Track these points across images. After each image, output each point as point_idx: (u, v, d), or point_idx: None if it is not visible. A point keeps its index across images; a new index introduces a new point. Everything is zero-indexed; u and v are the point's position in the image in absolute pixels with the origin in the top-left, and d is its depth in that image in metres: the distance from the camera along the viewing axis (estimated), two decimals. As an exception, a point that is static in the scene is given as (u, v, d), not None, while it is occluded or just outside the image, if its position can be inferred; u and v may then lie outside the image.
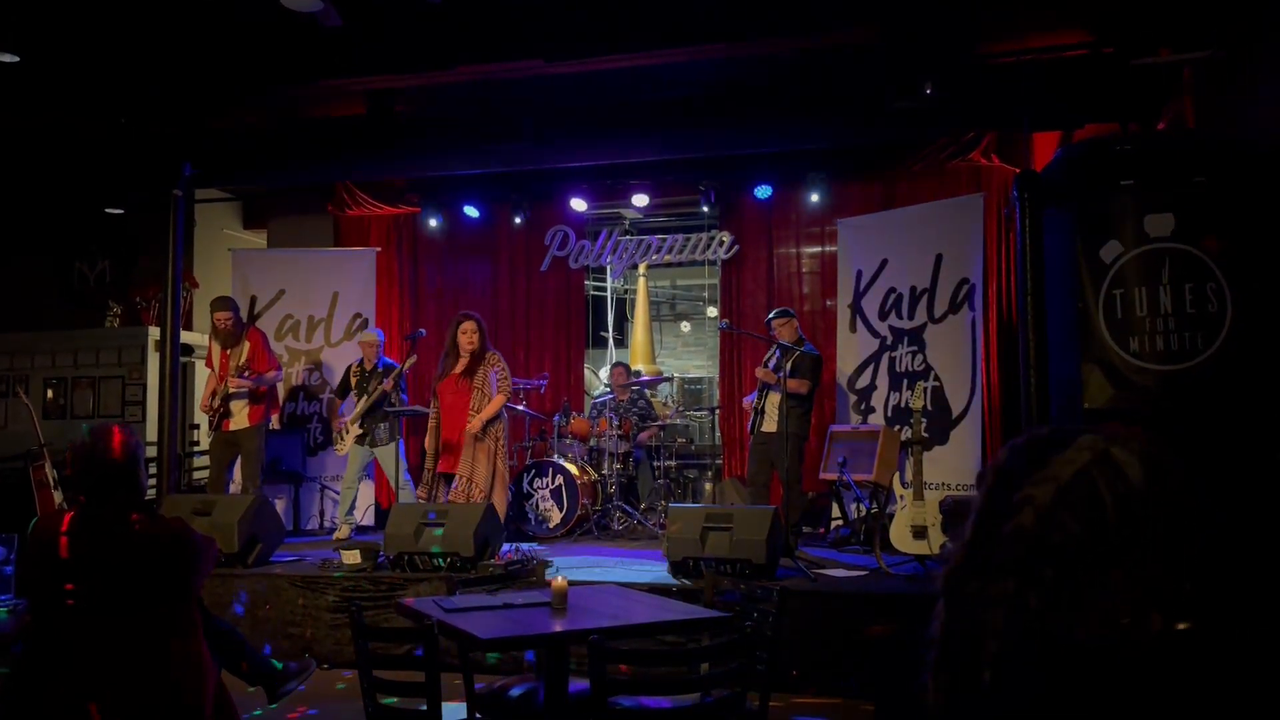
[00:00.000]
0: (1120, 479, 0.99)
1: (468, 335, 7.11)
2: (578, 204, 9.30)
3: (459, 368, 7.12)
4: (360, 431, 7.68)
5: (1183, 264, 5.24)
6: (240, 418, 7.59)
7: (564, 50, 6.57)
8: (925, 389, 7.24)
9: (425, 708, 2.95)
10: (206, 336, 9.68)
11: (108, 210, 10.12)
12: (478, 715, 3.41)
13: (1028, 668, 0.95)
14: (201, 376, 9.39)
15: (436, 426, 7.10)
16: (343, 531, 7.71)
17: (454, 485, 6.98)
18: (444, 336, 7.46)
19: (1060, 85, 6.54)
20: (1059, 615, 0.95)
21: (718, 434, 9.37)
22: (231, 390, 7.52)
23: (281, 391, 8.76)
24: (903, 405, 7.64)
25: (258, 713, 4.68)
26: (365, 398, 7.65)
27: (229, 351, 7.61)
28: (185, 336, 8.42)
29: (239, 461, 7.72)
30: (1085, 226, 5.54)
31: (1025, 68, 6.50)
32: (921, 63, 6.22)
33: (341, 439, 7.76)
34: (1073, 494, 1.00)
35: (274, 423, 8.30)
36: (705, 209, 9.18)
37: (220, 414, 7.57)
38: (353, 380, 7.89)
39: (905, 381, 7.75)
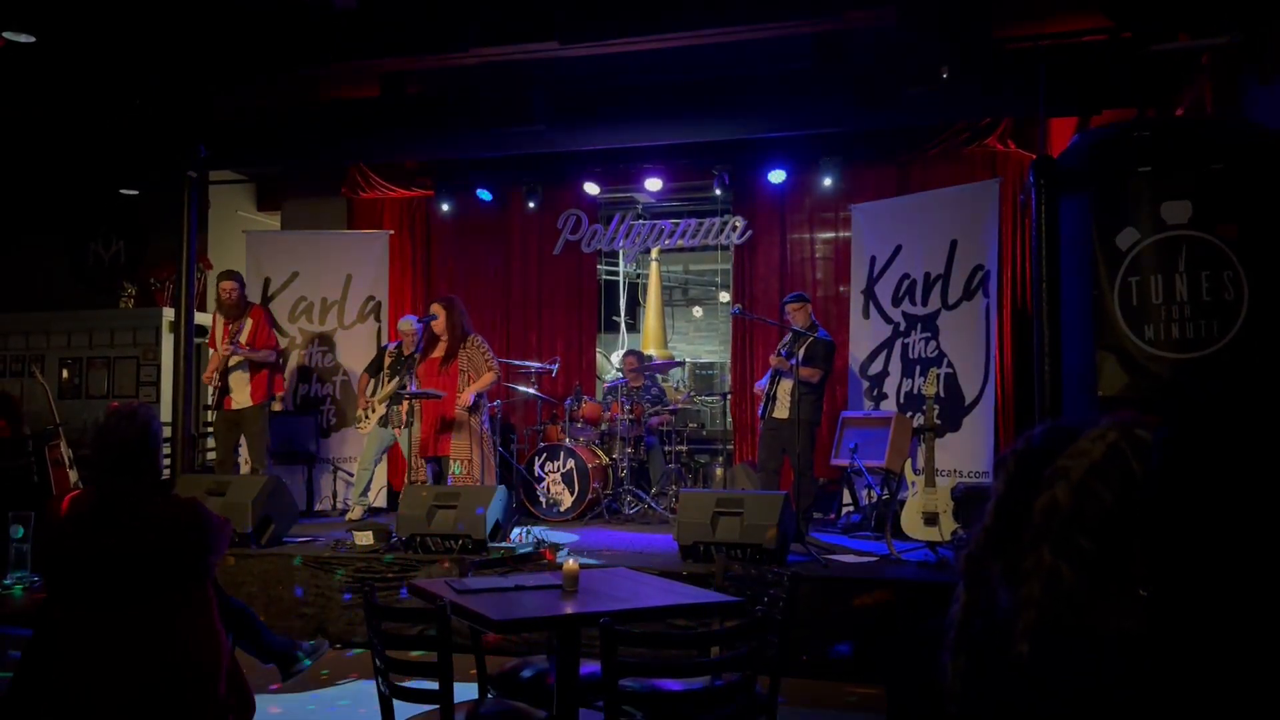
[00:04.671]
0: (1147, 455, 1.00)
1: (439, 320, 7.26)
2: (590, 188, 9.28)
3: (437, 352, 7.26)
4: (383, 412, 7.70)
5: (1199, 251, 5.20)
6: (242, 395, 7.61)
7: (578, 32, 6.55)
8: (938, 376, 7.21)
9: (438, 688, 2.97)
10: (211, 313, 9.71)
11: (122, 191, 10.15)
12: (490, 695, 3.43)
13: (1060, 640, 0.96)
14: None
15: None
16: (355, 513, 7.73)
17: (451, 467, 7.10)
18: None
19: (1078, 70, 6.48)
20: (1088, 585, 0.95)
21: (729, 419, 9.37)
22: (230, 364, 7.54)
23: (287, 373, 8.77)
24: (915, 392, 7.63)
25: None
26: (396, 379, 7.65)
27: (230, 326, 7.63)
28: (199, 317, 8.44)
29: (243, 443, 7.76)
30: (1101, 213, 5.50)
31: (1043, 53, 6.44)
32: (938, 47, 6.18)
33: (365, 418, 7.76)
34: (1106, 468, 1.01)
35: (277, 403, 8.31)
36: (718, 193, 9.16)
37: (221, 390, 7.59)
38: (387, 359, 7.85)
39: (918, 368, 7.73)
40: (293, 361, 8.91)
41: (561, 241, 9.47)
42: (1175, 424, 1.05)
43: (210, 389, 7.70)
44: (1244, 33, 5.72)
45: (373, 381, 7.82)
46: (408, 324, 7.89)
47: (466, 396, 7.06)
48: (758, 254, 9.23)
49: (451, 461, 7.15)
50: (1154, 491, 1.01)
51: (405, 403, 7.48)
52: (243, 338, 7.55)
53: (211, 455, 9.09)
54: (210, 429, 9.22)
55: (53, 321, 9.77)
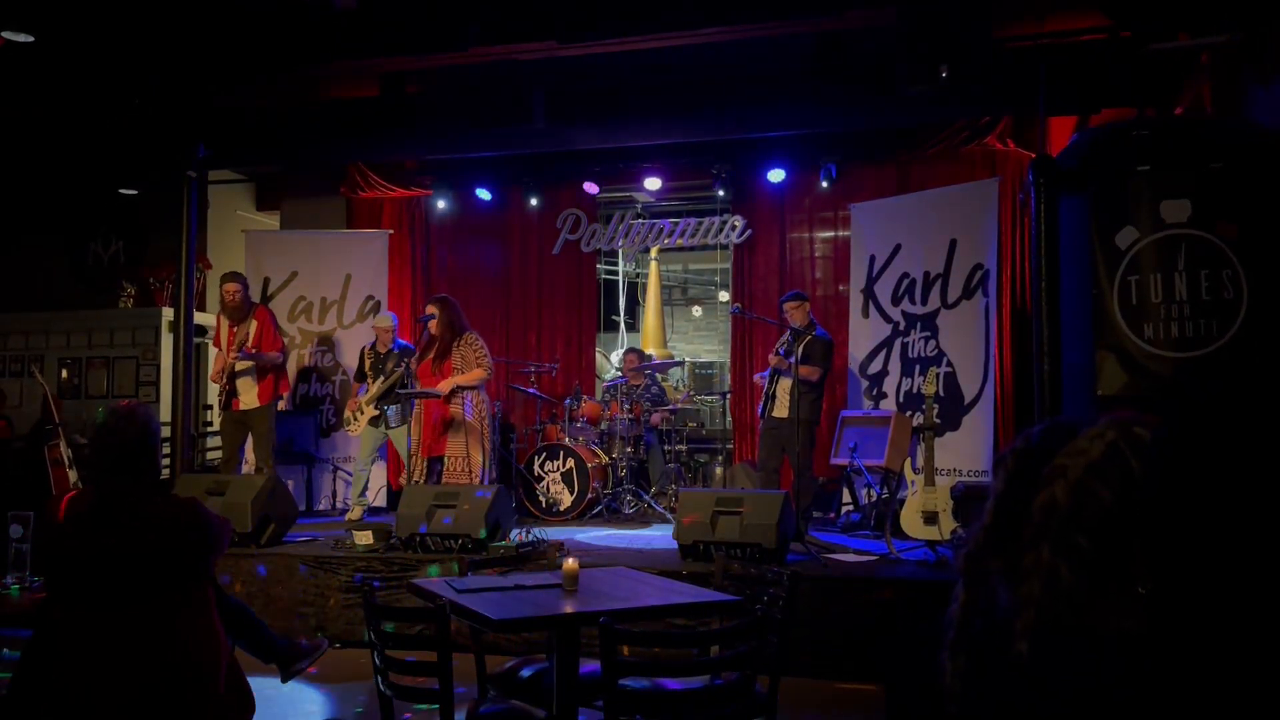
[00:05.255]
0: (1146, 454, 1.00)
1: (434, 319, 7.22)
2: (590, 187, 9.28)
3: (433, 352, 7.23)
4: (375, 413, 7.71)
5: (1199, 250, 5.20)
6: (249, 396, 7.63)
7: (577, 32, 6.54)
8: (938, 375, 7.21)
9: (438, 687, 2.97)
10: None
11: (121, 191, 10.15)
12: (490, 694, 3.43)
13: (1060, 639, 0.96)
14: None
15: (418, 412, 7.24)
16: (355, 512, 7.75)
17: (446, 466, 7.08)
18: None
19: (1077, 69, 6.48)
20: (1087, 584, 0.96)
21: (729, 418, 9.37)
22: (237, 368, 7.56)
23: (292, 373, 8.78)
24: (915, 391, 7.63)
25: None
26: (381, 380, 7.67)
27: (235, 328, 7.64)
28: (198, 317, 8.44)
29: (250, 443, 7.77)
30: (1101, 212, 5.50)
31: (1042, 52, 6.44)
32: (938, 46, 6.17)
33: (355, 420, 7.78)
34: (1104, 466, 1.01)
35: (283, 403, 8.32)
36: (718, 193, 9.15)
37: (228, 392, 7.61)
38: (366, 362, 7.91)
39: (917, 367, 7.73)
40: (292, 362, 8.91)
41: (561, 241, 9.47)
42: (1174, 423, 1.06)
43: (218, 391, 7.72)
44: (1244, 32, 5.72)
45: (360, 386, 7.86)
46: (385, 320, 7.93)
47: (445, 385, 7.03)
48: (757, 253, 9.23)
49: (445, 458, 7.15)
50: (1153, 491, 1.01)
51: (397, 402, 7.49)
52: (249, 341, 7.56)
53: (212, 455, 9.10)
54: (211, 428, 9.24)
55: (52, 321, 9.77)
